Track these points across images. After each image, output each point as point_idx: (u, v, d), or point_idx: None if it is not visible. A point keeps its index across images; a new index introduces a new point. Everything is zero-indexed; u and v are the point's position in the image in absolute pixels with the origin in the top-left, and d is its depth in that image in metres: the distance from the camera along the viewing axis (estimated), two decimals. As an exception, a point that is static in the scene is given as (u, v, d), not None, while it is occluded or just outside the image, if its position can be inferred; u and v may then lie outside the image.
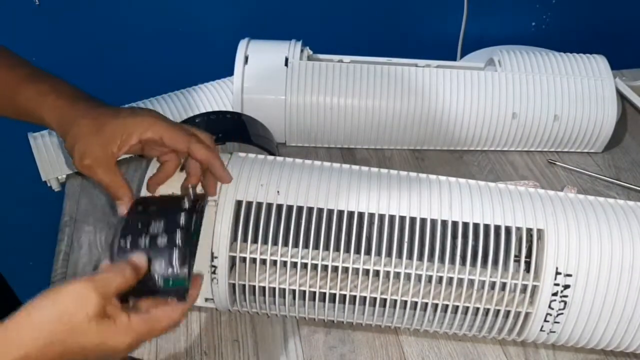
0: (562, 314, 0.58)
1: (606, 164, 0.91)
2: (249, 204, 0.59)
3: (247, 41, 0.89)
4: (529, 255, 0.59)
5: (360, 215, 0.59)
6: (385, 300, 0.60)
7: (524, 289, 0.59)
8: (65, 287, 0.44)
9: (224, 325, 0.68)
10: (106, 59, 1.05)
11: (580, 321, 0.59)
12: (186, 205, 0.54)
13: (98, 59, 1.04)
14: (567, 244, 0.58)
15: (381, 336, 0.67)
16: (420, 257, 0.59)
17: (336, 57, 0.90)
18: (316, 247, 0.59)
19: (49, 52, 0.99)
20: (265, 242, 0.60)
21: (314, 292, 0.61)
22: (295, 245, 0.59)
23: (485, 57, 0.95)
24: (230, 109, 0.89)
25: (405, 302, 0.60)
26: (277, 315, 0.66)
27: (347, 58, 0.90)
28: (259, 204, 0.59)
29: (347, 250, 0.59)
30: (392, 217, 0.59)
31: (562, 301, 0.58)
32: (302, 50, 0.88)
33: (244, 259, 0.60)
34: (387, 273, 0.59)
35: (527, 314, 0.59)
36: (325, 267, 0.60)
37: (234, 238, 0.59)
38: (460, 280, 0.59)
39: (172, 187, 0.60)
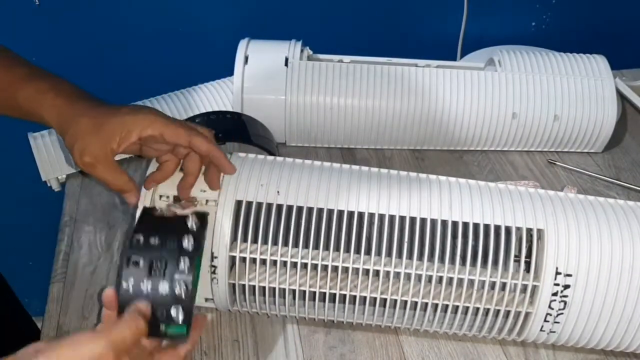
0: (562, 314, 0.58)
1: (606, 164, 0.91)
2: (249, 203, 0.59)
3: (247, 41, 0.89)
4: (529, 255, 0.59)
5: (360, 215, 0.59)
6: (385, 300, 0.60)
7: (524, 289, 0.59)
8: (82, 345, 0.45)
9: (224, 325, 0.68)
10: (106, 59, 1.05)
11: (580, 321, 0.59)
12: (186, 243, 0.53)
13: (98, 59, 1.04)
14: (567, 244, 0.58)
15: (381, 336, 0.67)
16: (420, 257, 0.59)
17: (336, 57, 0.90)
18: (316, 247, 0.59)
19: (49, 52, 0.99)
20: (265, 242, 0.60)
21: (314, 292, 0.61)
22: (295, 245, 0.59)
23: (485, 57, 0.95)
24: (230, 109, 0.89)
25: (405, 302, 0.60)
26: (277, 315, 0.66)
27: (347, 58, 0.90)
28: (259, 204, 0.59)
29: (347, 250, 0.59)
30: (392, 217, 0.59)
31: (562, 301, 0.58)
32: (302, 50, 0.88)
33: (243, 259, 0.60)
34: (387, 273, 0.59)
35: (527, 314, 0.59)
36: (325, 267, 0.60)
37: (233, 238, 0.59)
38: (460, 280, 0.59)
39: (171, 187, 0.60)
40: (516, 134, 0.88)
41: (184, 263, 0.52)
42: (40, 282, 0.79)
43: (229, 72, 0.88)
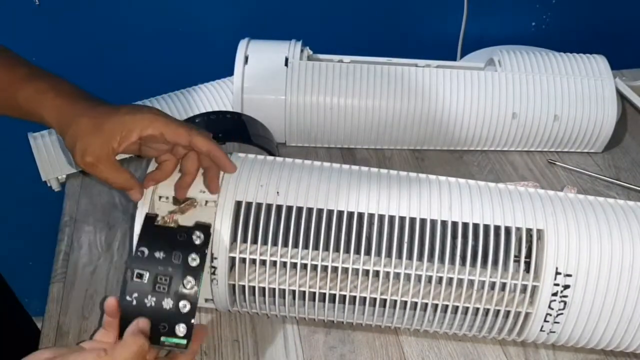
0: (562, 314, 0.58)
1: (606, 164, 0.91)
2: (249, 204, 0.59)
3: (247, 41, 0.89)
4: (528, 255, 0.59)
5: (360, 215, 0.59)
6: (385, 300, 0.60)
7: (524, 289, 0.59)
8: None
9: (224, 326, 0.68)
10: (106, 59, 1.05)
11: (580, 321, 0.59)
12: (191, 260, 0.54)
13: (98, 59, 1.04)
14: (567, 244, 0.58)
15: (381, 336, 0.67)
16: (420, 257, 0.59)
17: (336, 57, 0.90)
18: (316, 247, 0.59)
19: (49, 52, 0.99)
20: (265, 242, 0.60)
21: (314, 293, 0.61)
22: (295, 245, 0.59)
23: (485, 57, 0.95)
24: (230, 109, 0.89)
25: (405, 302, 0.60)
26: (277, 316, 0.66)
27: (347, 58, 0.90)
28: (259, 205, 0.59)
29: (347, 250, 0.59)
30: (392, 217, 0.59)
31: (562, 301, 0.58)
32: (302, 50, 0.88)
33: (243, 260, 0.60)
34: (387, 273, 0.59)
35: (527, 314, 0.59)
36: (325, 268, 0.60)
37: (233, 238, 0.59)
38: (460, 281, 0.59)
39: (170, 188, 0.60)
40: (516, 134, 0.88)
41: (189, 281, 0.53)
42: (40, 282, 0.79)
43: (229, 72, 0.88)
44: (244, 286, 0.61)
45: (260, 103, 0.86)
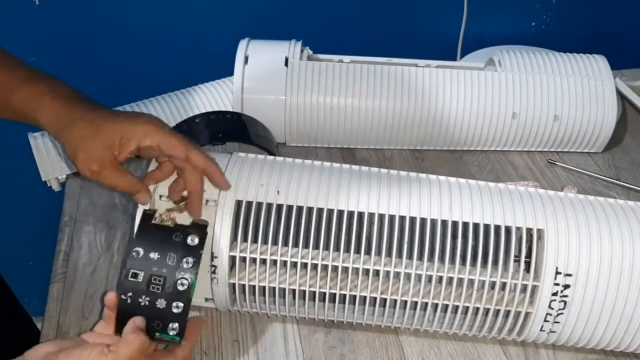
0: (562, 314, 0.58)
1: (606, 164, 0.91)
2: (249, 203, 0.59)
3: (247, 41, 0.89)
4: (529, 255, 0.59)
5: (360, 215, 0.59)
6: (385, 300, 0.60)
7: (524, 289, 0.59)
8: None
9: (224, 325, 0.68)
10: (106, 59, 1.05)
11: (580, 321, 0.59)
12: (185, 262, 0.54)
13: (98, 59, 1.04)
14: (567, 244, 0.58)
15: (381, 336, 0.67)
16: (420, 257, 0.59)
17: (336, 57, 0.90)
18: (316, 247, 0.59)
19: (49, 52, 0.99)
20: (265, 242, 0.60)
21: (314, 292, 0.61)
22: (295, 245, 0.59)
23: (485, 57, 0.95)
24: (230, 109, 0.89)
25: (405, 302, 0.60)
26: (277, 315, 0.66)
27: (347, 58, 0.90)
28: (259, 204, 0.59)
29: (347, 250, 0.59)
30: (392, 217, 0.59)
31: (562, 301, 0.58)
32: (302, 50, 0.88)
33: (243, 259, 0.60)
34: (387, 273, 0.59)
35: (527, 314, 0.59)
36: (325, 267, 0.60)
37: (233, 238, 0.59)
38: (460, 280, 0.59)
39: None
40: (516, 134, 0.88)
41: (182, 283, 0.54)
42: (40, 282, 0.79)
43: (229, 72, 0.88)
44: (244, 285, 0.61)
45: (260, 103, 0.86)
